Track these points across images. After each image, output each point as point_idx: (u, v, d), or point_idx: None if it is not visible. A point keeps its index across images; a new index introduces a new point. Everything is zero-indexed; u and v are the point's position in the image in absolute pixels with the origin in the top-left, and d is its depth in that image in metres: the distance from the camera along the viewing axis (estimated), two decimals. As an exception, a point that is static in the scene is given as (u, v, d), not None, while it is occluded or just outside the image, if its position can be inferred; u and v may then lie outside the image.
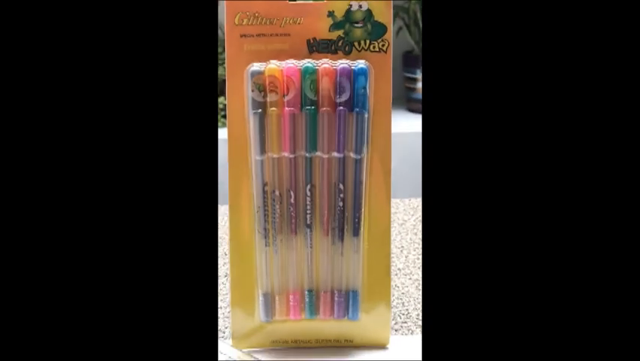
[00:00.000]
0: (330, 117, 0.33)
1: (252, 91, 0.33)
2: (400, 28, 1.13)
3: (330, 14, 0.33)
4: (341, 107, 0.33)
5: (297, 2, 0.33)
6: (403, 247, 0.50)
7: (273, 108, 0.33)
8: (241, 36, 0.33)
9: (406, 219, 0.56)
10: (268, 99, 0.33)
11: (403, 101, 1.17)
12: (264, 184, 0.34)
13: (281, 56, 0.33)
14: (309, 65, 0.33)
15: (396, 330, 0.38)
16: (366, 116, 0.34)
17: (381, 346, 0.36)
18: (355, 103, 0.33)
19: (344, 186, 0.34)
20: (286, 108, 0.33)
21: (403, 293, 0.42)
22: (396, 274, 0.45)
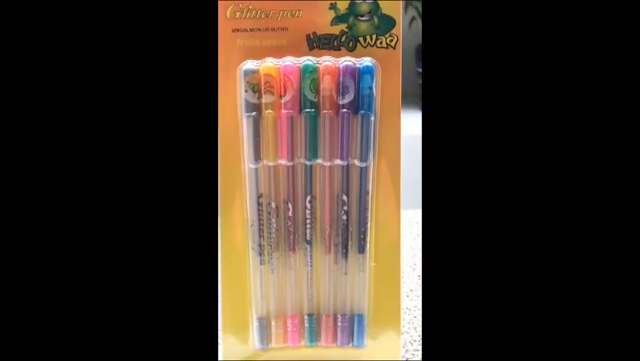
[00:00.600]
0: (333, 121, 0.33)
1: (246, 91, 0.32)
2: (413, 19, 1.12)
3: (333, 6, 0.32)
4: (344, 110, 0.32)
5: (296, -7, 0.32)
6: (415, 264, 0.49)
7: (269, 111, 0.32)
8: (233, 30, 0.32)
9: (419, 232, 0.54)
10: (263, 100, 0.32)
11: (417, 99, 1.16)
12: (259, 195, 0.33)
13: (278, 52, 0.32)
14: (308, 62, 0.32)
15: (407, 359, 0.37)
16: (372, 119, 0.33)
17: (390, 377, 0.35)
18: (360, 105, 0.32)
19: (348, 197, 0.33)
20: (283, 111, 0.32)
21: (414, 317, 0.41)
22: (407, 296, 0.44)
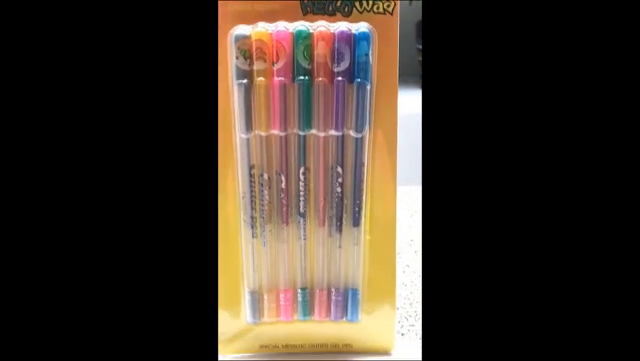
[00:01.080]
0: (327, 89, 0.32)
1: (237, 58, 0.32)
2: (414, -5, 1.11)
3: (328, -31, 0.31)
4: (339, 78, 0.32)
5: (289, -45, 0.32)
6: (412, 240, 0.48)
7: (261, 78, 0.32)
8: (224, -6, 0.32)
9: (416, 208, 0.54)
10: (255, 67, 0.32)
11: (417, 77, 1.15)
12: (251, 167, 0.33)
13: (270, 17, 0.32)
14: (302, 28, 0.31)
15: (402, 334, 0.37)
16: (368, 87, 0.32)
17: (385, 352, 0.35)
18: (356, 72, 0.32)
19: (343, 168, 0.33)
20: (276, 78, 0.32)
21: (410, 293, 0.41)
22: (403, 271, 0.44)
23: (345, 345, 0.35)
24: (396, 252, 0.34)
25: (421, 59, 1.13)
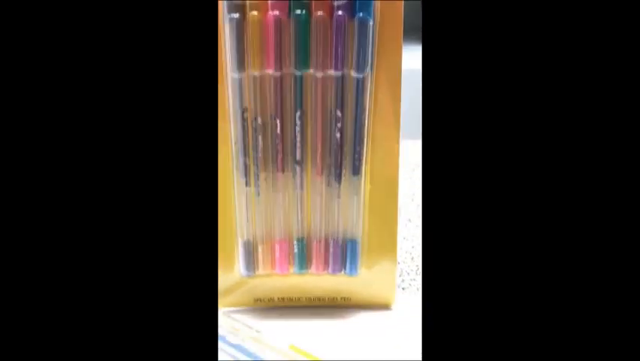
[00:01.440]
0: (326, 25, 0.30)
1: (227, -10, 0.29)
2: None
3: None
4: (340, 12, 0.29)
5: None
6: (414, 194, 0.47)
7: (254, 12, 0.29)
8: None
9: (419, 163, 0.53)
10: (248, 0, 0.29)
11: (419, 33, 1.11)
12: (244, 110, 0.31)
13: (264, -56, 0.29)
14: (299, -44, 0.29)
15: (403, 288, 0.36)
16: (371, 23, 0.30)
17: (385, 306, 0.34)
18: (358, 7, 0.29)
19: (342, 112, 0.31)
20: (270, 12, 0.29)
21: (412, 247, 0.40)
22: (405, 225, 0.42)
23: (344, 298, 0.34)
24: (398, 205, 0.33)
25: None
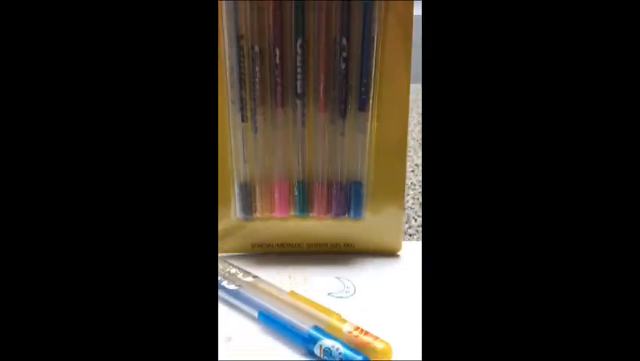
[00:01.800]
0: (331, -62, 0.27)
1: None
2: None
3: None
4: None
5: None
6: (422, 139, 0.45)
7: None
8: None
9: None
10: None
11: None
12: (239, 37, 0.28)
13: None
14: None
15: (410, 235, 0.34)
16: (381, -63, 0.27)
17: (391, 253, 0.32)
18: None
19: (348, 41, 0.28)
20: None
21: (420, 193, 0.38)
22: (412, 171, 0.40)
23: (347, 245, 0.32)
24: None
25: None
